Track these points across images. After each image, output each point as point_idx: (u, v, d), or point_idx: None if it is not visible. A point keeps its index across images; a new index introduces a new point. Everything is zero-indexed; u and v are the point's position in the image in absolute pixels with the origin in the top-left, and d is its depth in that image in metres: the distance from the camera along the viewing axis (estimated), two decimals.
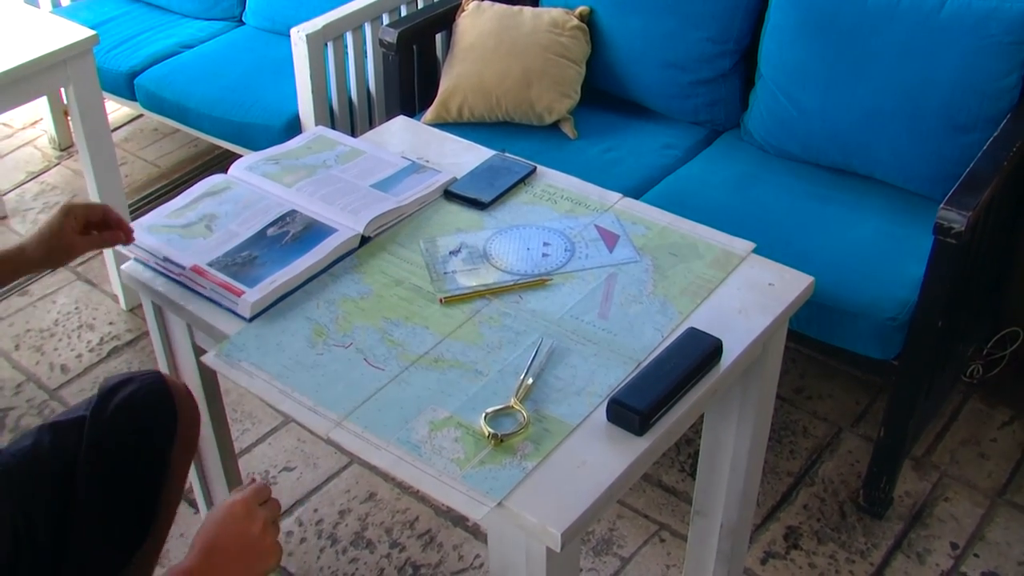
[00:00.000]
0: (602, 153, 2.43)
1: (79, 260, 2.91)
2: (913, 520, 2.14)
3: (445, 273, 1.51)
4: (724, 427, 1.63)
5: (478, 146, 1.84)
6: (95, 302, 2.77)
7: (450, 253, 1.55)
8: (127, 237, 1.55)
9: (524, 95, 2.45)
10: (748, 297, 1.47)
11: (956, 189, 1.85)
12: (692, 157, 2.44)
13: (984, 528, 2.12)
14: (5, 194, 3.20)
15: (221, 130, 2.76)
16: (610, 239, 1.58)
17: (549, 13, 2.52)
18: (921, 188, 2.22)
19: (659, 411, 1.26)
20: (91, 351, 2.61)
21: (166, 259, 1.52)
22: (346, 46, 2.65)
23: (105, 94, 2.62)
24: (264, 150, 1.79)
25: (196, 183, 1.69)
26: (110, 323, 2.70)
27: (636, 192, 2.23)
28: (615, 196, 1.69)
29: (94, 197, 2.53)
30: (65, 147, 3.42)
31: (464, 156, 1.80)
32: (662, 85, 2.53)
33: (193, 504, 2.14)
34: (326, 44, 2.58)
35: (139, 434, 1.43)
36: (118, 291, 2.75)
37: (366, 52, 2.69)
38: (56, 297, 2.79)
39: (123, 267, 1.57)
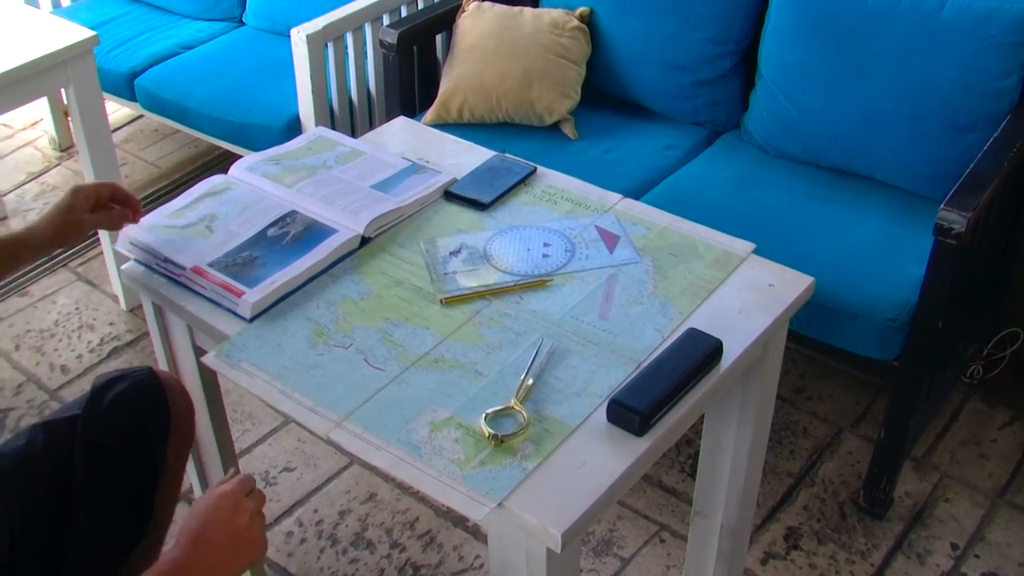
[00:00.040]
0: (602, 154, 2.43)
1: (79, 261, 2.91)
2: (913, 521, 2.14)
3: (445, 274, 1.51)
4: (724, 428, 1.63)
5: (478, 147, 1.84)
6: (95, 302, 2.77)
7: (450, 254, 1.55)
8: (135, 215, 1.57)
9: (524, 96, 2.45)
10: (748, 298, 1.47)
11: (956, 190, 1.85)
12: (692, 158, 2.44)
13: (984, 529, 2.12)
14: (5, 195, 3.21)
15: (221, 131, 2.76)
16: (610, 240, 1.58)
17: (549, 14, 2.52)
18: (921, 189, 2.22)
19: (659, 412, 1.26)
20: (91, 352, 2.61)
21: (166, 259, 1.52)
22: (346, 47, 2.65)
23: (105, 95, 2.62)
24: (264, 151, 1.79)
25: (196, 184, 1.69)
26: (110, 324, 2.70)
27: (636, 193, 2.23)
28: (615, 197, 1.69)
29: None
30: (65, 148, 3.42)
31: (464, 157, 1.80)
32: (662, 86, 2.53)
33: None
34: (326, 45, 2.58)
35: (132, 430, 1.43)
36: (118, 291, 2.75)
37: (366, 53, 2.69)
38: (56, 297, 2.79)
39: (123, 267, 1.57)
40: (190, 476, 1.79)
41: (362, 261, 1.54)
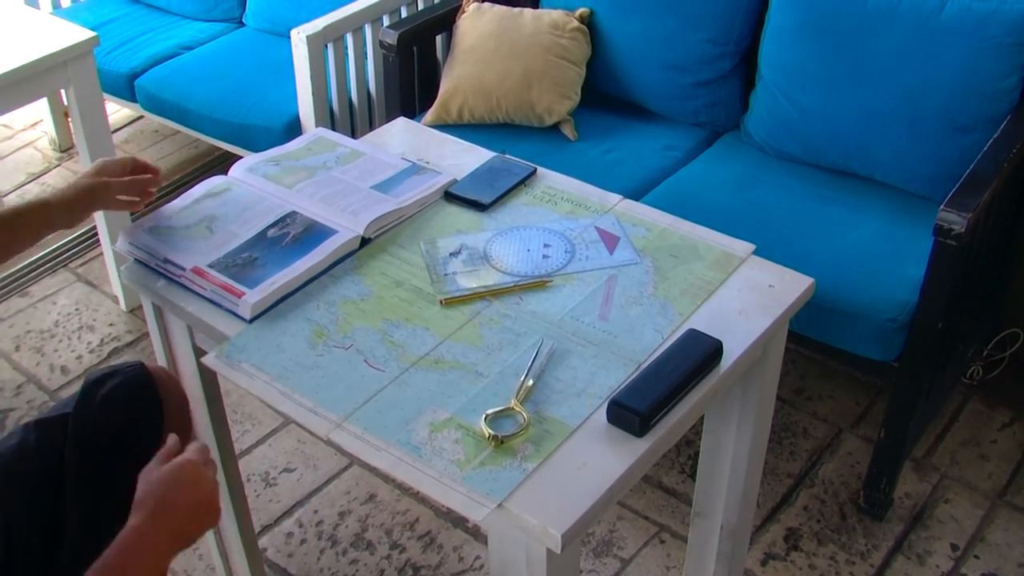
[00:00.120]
0: (602, 155, 2.43)
1: (79, 261, 2.91)
2: (913, 521, 2.14)
3: (445, 274, 1.51)
4: (724, 428, 1.63)
5: (478, 148, 1.84)
6: (95, 303, 2.77)
7: (450, 255, 1.55)
8: (155, 180, 1.61)
9: (524, 97, 2.45)
10: (748, 298, 1.47)
11: (956, 190, 1.85)
12: (692, 159, 2.45)
13: (984, 529, 2.12)
14: (5, 195, 3.21)
15: (221, 131, 2.76)
16: (610, 241, 1.58)
17: (549, 15, 2.52)
18: (921, 189, 2.22)
19: (659, 412, 1.26)
20: (91, 352, 2.61)
21: (166, 260, 1.52)
22: (346, 48, 2.65)
23: (105, 95, 2.62)
24: (264, 151, 1.79)
25: (196, 184, 1.69)
26: (110, 324, 2.70)
27: (636, 194, 2.23)
28: (615, 198, 1.69)
29: None
30: (65, 148, 3.42)
31: (464, 158, 1.80)
32: (662, 87, 2.53)
33: None
34: (326, 45, 2.58)
35: (124, 426, 1.42)
36: (118, 292, 2.75)
37: (366, 53, 2.69)
38: (56, 298, 2.79)
39: (123, 268, 1.57)
40: None
41: (362, 262, 1.54)
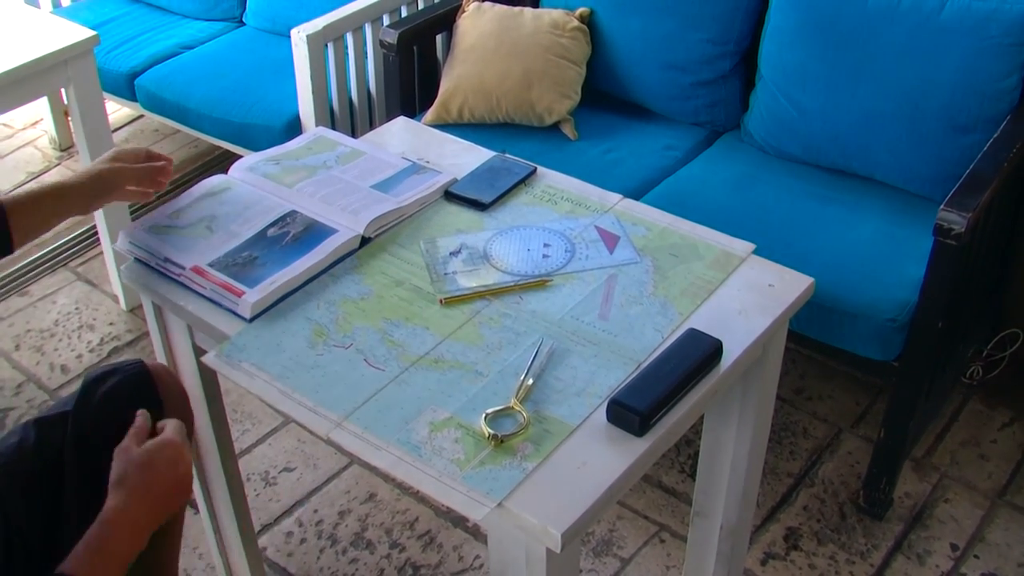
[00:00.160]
0: (602, 154, 2.43)
1: (79, 261, 2.91)
2: (913, 521, 2.14)
3: (445, 274, 1.51)
4: (724, 428, 1.63)
5: (478, 147, 1.84)
6: (95, 302, 2.77)
7: (450, 254, 1.55)
8: (168, 170, 1.64)
9: (524, 96, 2.45)
10: (748, 298, 1.47)
11: (956, 190, 1.85)
12: (692, 158, 2.45)
13: (984, 529, 2.12)
14: (6, 194, 3.21)
15: (221, 131, 2.76)
16: (610, 240, 1.58)
17: (549, 14, 2.52)
18: (921, 189, 2.22)
19: (659, 412, 1.26)
20: (91, 351, 2.61)
21: (166, 259, 1.52)
22: (346, 47, 2.65)
23: (105, 95, 2.62)
24: (264, 151, 1.79)
25: (196, 184, 1.69)
26: (110, 323, 2.70)
27: (636, 193, 2.23)
28: (615, 197, 1.69)
29: None
30: (65, 147, 3.42)
31: (464, 157, 1.80)
32: (662, 86, 2.53)
33: (193, 504, 2.13)
34: (326, 45, 2.58)
35: (124, 425, 1.42)
36: (118, 291, 2.75)
37: (366, 53, 2.69)
38: (56, 297, 2.79)
39: (123, 267, 1.57)
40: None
41: (362, 261, 1.54)
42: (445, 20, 2.60)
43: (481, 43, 2.49)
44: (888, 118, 2.19)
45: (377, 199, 1.63)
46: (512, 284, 1.49)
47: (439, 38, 2.68)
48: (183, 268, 1.50)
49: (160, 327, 1.63)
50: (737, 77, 2.49)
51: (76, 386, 1.46)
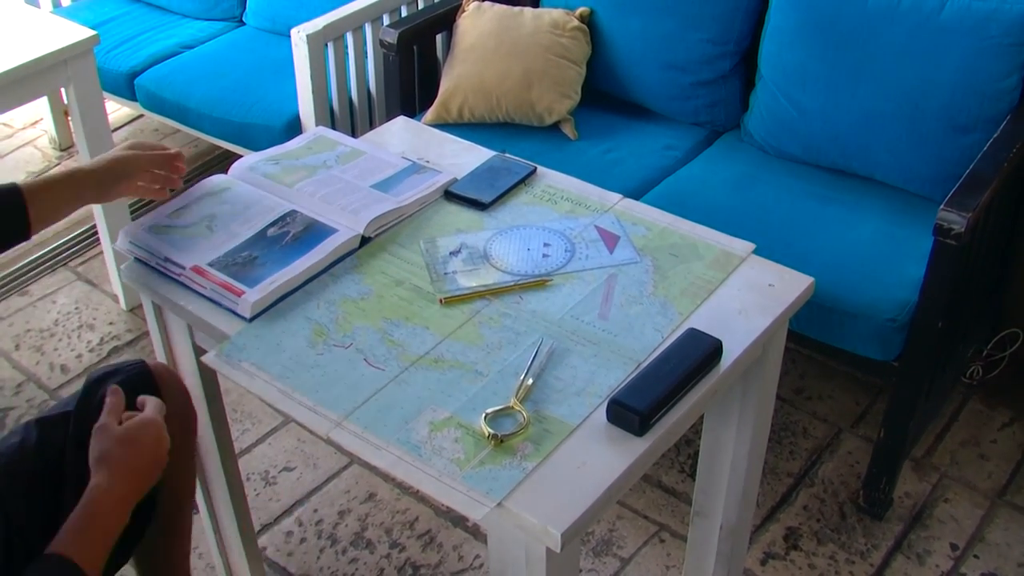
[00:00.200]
0: (602, 154, 2.43)
1: (79, 260, 2.91)
2: (913, 521, 2.14)
3: (445, 273, 1.51)
4: (724, 428, 1.63)
5: (478, 147, 1.84)
6: (95, 302, 2.77)
7: (450, 254, 1.55)
8: (181, 157, 1.64)
9: (524, 96, 2.45)
10: (748, 298, 1.47)
11: (956, 190, 1.85)
12: (692, 158, 2.45)
13: (984, 529, 2.12)
14: None
15: (221, 130, 2.76)
16: (610, 240, 1.58)
17: (550, 14, 2.52)
18: (921, 189, 2.22)
19: (659, 412, 1.26)
20: (91, 351, 2.61)
21: (166, 259, 1.52)
22: (346, 46, 2.65)
23: (105, 94, 2.62)
24: (264, 150, 1.79)
25: (196, 183, 1.69)
26: (110, 323, 2.70)
27: (636, 193, 2.23)
28: (615, 197, 1.69)
29: None
30: (65, 147, 3.42)
31: (464, 157, 1.80)
32: (662, 86, 2.53)
33: (193, 504, 2.13)
34: (326, 44, 2.58)
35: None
36: (118, 291, 2.75)
37: (366, 52, 2.69)
38: (56, 297, 2.79)
39: (123, 267, 1.57)
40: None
41: (362, 261, 1.54)
42: (445, 20, 2.60)
43: (481, 43, 2.49)
44: (888, 118, 2.19)
45: (377, 199, 1.63)
46: (512, 284, 1.49)
47: (439, 38, 2.68)
48: (183, 268, 1.50)
49: (160, 327, 1.63)
50: (737, 77, 2.49)
51: (76, 386, 1.46)
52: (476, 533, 2.12)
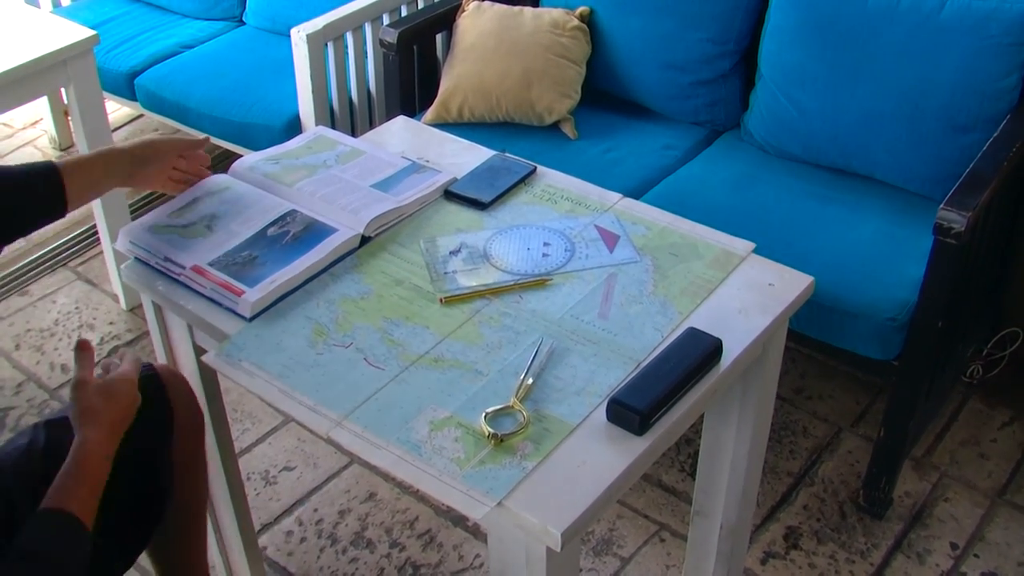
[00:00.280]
0: (602, 153, 2.43)
1: (79, 260, 2.91)
2: (913, 520, 2.14)
3: (445, 273, 1.51)
4: (724, 427, 1.63)
5: (478, 146, 1.84)
6: (95, 302, 2.77)
7: (450, 253, 1.55)
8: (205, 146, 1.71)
9: (524, 95, 2.45)
10: (748, 297, 1.47)
11: (956, 189, 1.85)
12: (692, 157, 2.45)
13: (984, 528, 2.13)
14: None
15: (221, 130, 2.76)
16: (610, 239, 1.58)
17: (549, 13, 2.52)
18: (921, 188, 2.22)
19: (659, 411, 1.26)
20: None
21: (166, 259, 1.52)
22: (346, 46, 2.65)
23: (105, 94, 2.62)
24: (264, 150, 1.79)
25: (196, 183, 1.69)
26: (110, 323, 2.70)
27: (636, 192, 2.23)
28: (615, 196, 1.69)
29: None
30: (65, 147, 3.42)
31: (464, 156, 1.80)
32: (662, 86, 2.53)
33: None
34: (326, 44, 2.58)
35: (132, 429, 1.43)
36: (118, 291, 2.75)
37: (366, 52, 2.69)
38: (56, 297, 2.79)
39: (123, 267, 1.57)
40: None
41: (362, 260, 1.54)
42: (445, 19, 2.60)
43: (481, 42, 2.49)
44: (888, 117, 2.19)
45: (377, 198, 1.63)
46: (512, 283, 1.49)
47: (439, 37, 2.68)
48: (183, 267, 1.50)
49: (160, 326, 1.63)
50: (737, 76, 2.48)
51: None
52: (476, 533, 2.12)
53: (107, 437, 1.29)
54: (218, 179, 1.70)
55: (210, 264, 1.50)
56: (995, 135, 2.02)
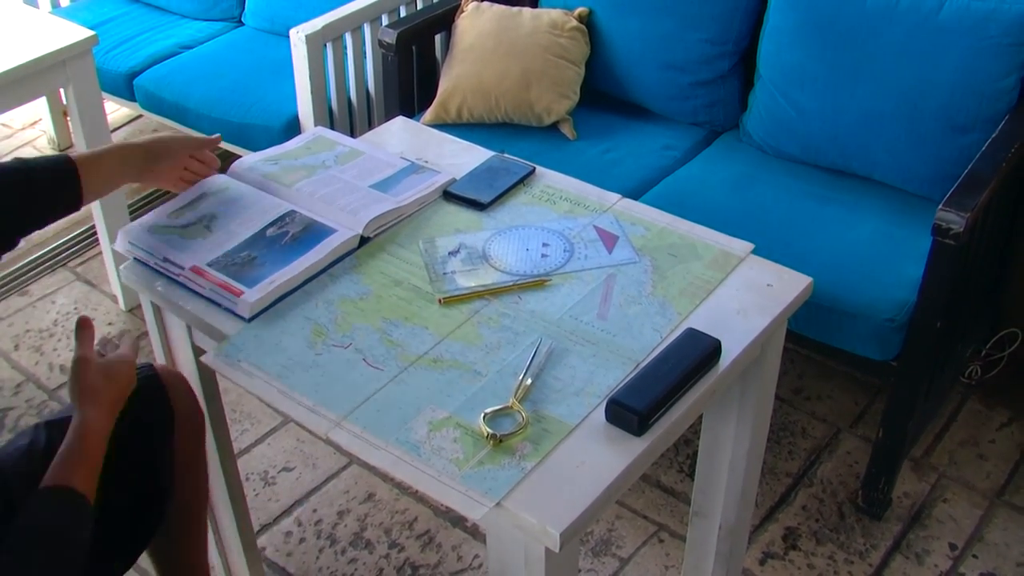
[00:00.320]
0: (601, 154, 2.43)
1: (78, 260, 2.91)
2: (912, 521, 2.14)
3: (444, 274, 1.51)
4: (723, 428, 1.63)
5: (477, 147, 1.84)
6: (94, 302, 2.77)
7: (449, 254, 1.55)
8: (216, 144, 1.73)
9: (523, 96, 2.45)
10: (747, 298, 1.47)
11: (955, 190, 1.85)
12: (691, 158, 2.45)
13: (983, 529, 2.13)
14: None
15: (220, 131, 2.75)
16: (609, 240, 1.58)
17: (548, 14, 2.52)
18: (920, 189, 2.23)
19: (658, 411, 1.26)
20: None
21: (165, 259, 1.52)
22: (345, 47, 2.65)
23: (104, 95, 2.62)
24: (263, 151, 1.79)
25: (195, 184, 1.69)
26: (109, 324, 2.70)
27: (635, 193, 2.23)
28: (614, 197, 1.69)
29: None
30: (64, 148, 3.42)
31: (463, 157, 1.80)
32: (661, 86, 2.53)
33: None
34: (325, 45, 2.58)
35: (133, 429, 1.43)
36: (117, 291, 2.75)
37: (365, 53, 2.69)
38: (55, 297, 2.79)
39: (122, 267, 1.57)
40: None
41: (361, 261, 1.54)
42: (444, 20, 2.60)
43: (480, 43, 2.49)
44: (887, 118, 2.19)
45: (376, 199, 1.63)
46: (511, 284, 1.49)
47: (438, 38, 2.68)
48: (182, 268, 1.50)
49: (159, 327, 1.63)
50: (736, 77, 2.49)
51: None
52: (475, 533, 2.13)
53: (107, 417, 1.32)
54: (217, 179, 1.70)
55: (209, 264, 1.50)
56: (994, 135, 2.02)
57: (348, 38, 2.64)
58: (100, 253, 2.89)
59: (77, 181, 1.47)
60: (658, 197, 2.25)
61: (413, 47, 2.54)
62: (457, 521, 2.15)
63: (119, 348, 1.43)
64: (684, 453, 2.30)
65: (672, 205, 1.82)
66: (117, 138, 3.40)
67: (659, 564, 2.06)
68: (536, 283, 1.49)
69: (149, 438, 1.49)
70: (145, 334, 2.59)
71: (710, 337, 1.36)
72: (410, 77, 2.56)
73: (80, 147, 2.50)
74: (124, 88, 2.93)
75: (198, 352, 1.58)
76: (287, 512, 2.18)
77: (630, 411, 1.24)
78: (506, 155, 1.79)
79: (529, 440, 1.24)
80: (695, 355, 1.33)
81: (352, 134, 2.68)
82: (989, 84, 2.08)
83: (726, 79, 2.48)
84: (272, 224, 1.58)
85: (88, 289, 2.82)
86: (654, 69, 2.51)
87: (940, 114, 2.13)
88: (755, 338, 1.41)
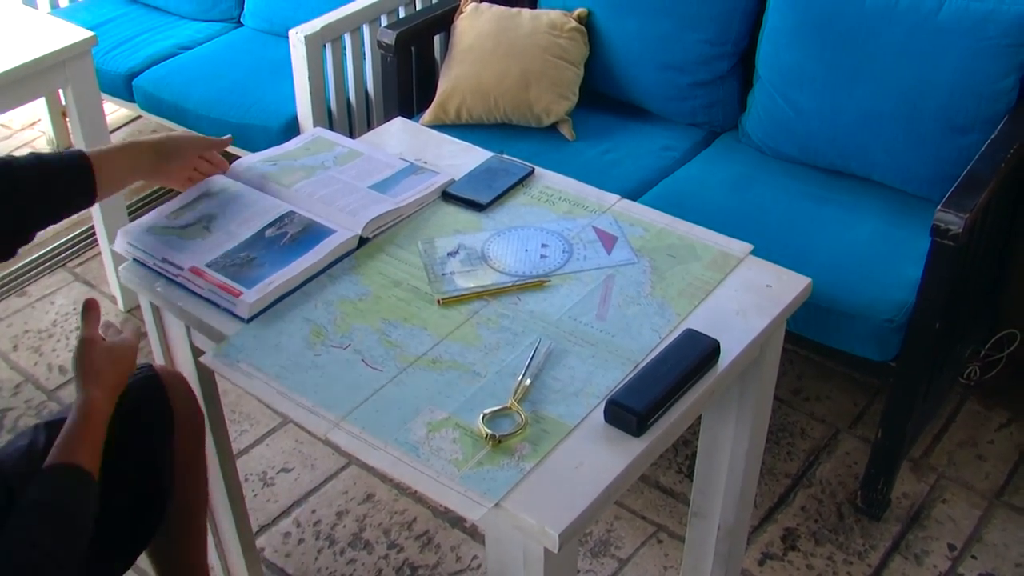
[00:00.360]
0: (600, 155, 2.43)
1: (77, 261, 2.91)
2: (911, 522, 2.14)
3: (443, 274, 1.51)
4: (722, 428, 1.63)
5: (476, 148, 1.84)
6: None
7: (448, 254, 1.55)
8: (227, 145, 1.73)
9: (522, 97, 2.45)
10: (746, 298, 1.47)
11: (954, 191, 1.85)
12: (690, 159, 2.45)
13: (982, 530, 2.13)
14: None
15: (219, 131, 2.75)
16: (608, 240, 1.58)
17: (547, 15, 2.52)
18: (919, 190, 2.23)
19: (657, 412, 1.26)
20: None
21: (164, 260, 1.52)
22: (344, 48, 2.65)
23: (103, 95, 2.62)
24: (262, 151, 1.79)
25: (194, 184, 1.69)
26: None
27: (634, 194, 2.23)
28: (613, 198, 1.69)
29: None
30: (64, 148, 3.42)
31: (462, 157, 1.80)
32: (660, 87, 2.53)
33: None
34: (324, 46, 2.58)
35: (133, 429, 1.43)
36: (116, 292, 2.75)
37: (364, 53, 2.69)
38: (54, 298, 2.79)
39: (121, 268, 1.57)
40: None
41: (360, 262, 1.54)
42: (443, 21, 2.60)
43: (479, 44, 2.49)
44: (886, 119, 2.19)
45: (375, 199, 1.63)
46: (510, 284, 1.49)
47: (437, 39, 2.68)
48: (181, 268, 1.50)
49: (158, 327, 1.63)
50: (735, 78, 2.49)
51: (74, 387, 1.46)
52: (474, 534, 2.12)
53: (109, 399, 1.33)
54: (216, 180, 1.70)
55: (208, 265, 1.50)
56: (993, 136, 2.03)
57: (347, 39, 2.64)
58: (99, 254, 2.89)
59: (92, 177, 1.47)
60: (657, 198, 2.25)
61: (412, 48, 2.55)
62: (456, 522, 2.15)
63: (122, 333, 1.44)
64: (683, 454, 2.30)
65: (671, 206, 1.82)
66: (116, 139, 3.41)
67: (658, 565, 2.06)
68: (535, 284, 1.49)
69: (149, 438, 1.49)
70: (144, 335, 2.59)
71: (709, 338, 1.36)
72: (409, 78, 2.57)
73: (79, 148, 2.50)
74: (123, 89, 2.93)
75: (197, 353, 1.58)
76: (286, 513, 2.18)
77: (629, 412, 1.24)
78: (505, 156, 1.79)
79: (528, 441, 1.24)
80: (694, 356, 1.33)
81: (351, 135, 2.68)
82: (988, 85, 2.08)
83: (725, 80, 2.48)
84: (271, 225, 1.58)
85: (87, 290, 2.82)
86: (653, 70, 2.51)
87: (939, 115, 2.13)
88: (754, 339, 1.41)
